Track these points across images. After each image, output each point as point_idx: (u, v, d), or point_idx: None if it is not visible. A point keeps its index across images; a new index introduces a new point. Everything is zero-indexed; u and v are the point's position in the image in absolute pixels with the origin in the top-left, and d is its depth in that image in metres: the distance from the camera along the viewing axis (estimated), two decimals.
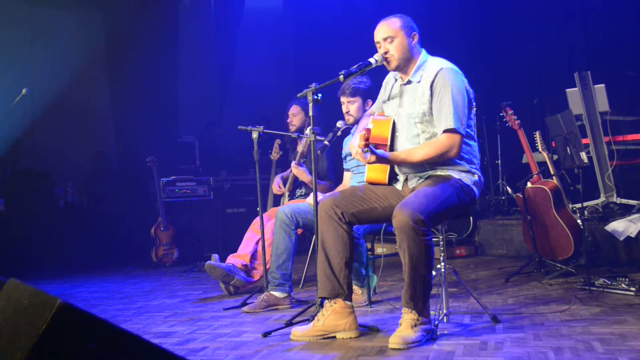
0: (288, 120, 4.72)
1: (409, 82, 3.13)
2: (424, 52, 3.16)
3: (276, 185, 4.72)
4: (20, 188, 6.49)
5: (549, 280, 4.29)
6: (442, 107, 2.96)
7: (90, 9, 7.82)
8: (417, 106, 3.05)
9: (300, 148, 4.48)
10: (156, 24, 7.66)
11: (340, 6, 7.70)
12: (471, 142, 3.11)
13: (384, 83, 3.34)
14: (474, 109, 3.13)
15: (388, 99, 3.25)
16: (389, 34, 3.06)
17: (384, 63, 3.09)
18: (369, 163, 3.00)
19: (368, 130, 2.88)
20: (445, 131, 2.94)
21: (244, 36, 8.23)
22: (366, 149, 2.85)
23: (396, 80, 3.22)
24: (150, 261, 6.27)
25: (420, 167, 3.07)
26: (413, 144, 3.07)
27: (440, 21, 7.09)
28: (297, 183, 4.78)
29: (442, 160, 3.00)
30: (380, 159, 2.95)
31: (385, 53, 3.07)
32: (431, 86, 3.01)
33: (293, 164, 4.46)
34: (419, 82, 3.07)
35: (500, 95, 6.01)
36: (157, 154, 6.52)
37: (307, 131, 4.39)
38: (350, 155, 4.21)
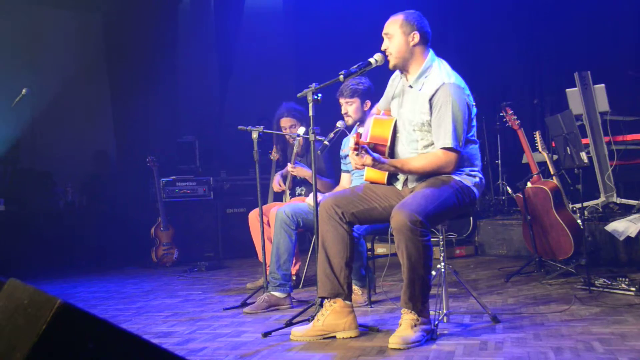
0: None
1: (411, 86, 3.11)
2: (430, 55, 3.10)
3: (276, 183, 4.72)
4: (20, 188, 6.48)
5: (549, 280, 4.29)
6: (441, 123, 2.93)
7: (90, 9, 7.80)
8: (417, 115, 3.03)
9: (295, 149, 4.48)
10: (156, 24, 7.64)
11: (340, 6, 7.70)
12: (472, 145, 3.10)
13: (391, 79, 3.31)
14: (474, 111, 3.10)
15: (393, 97, 3.25)
16: (388, 30, 3.06)
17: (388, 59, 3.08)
18: (365, 165, 2.95)
19: (358, 135, 2.86)
20: (443, 148, 2.94)
21: (244, 36, 8.22)
22: (356, 152, 2.83)
23: (401, 78, 3.20)
24: (150, 261, 6.26)
25: None
26: (412, 149, 3.07)
27: (440, 20, 7.08)
28: (296, 181, 4.78)
29: (437, 174, 2.98)
30: (377, 163, 2.90)
31: (386, 50, 3.07)
32: (430, 100, 2.98)
33: (289, 165, 4.46)
34: (420, 90, 3.05)
35: (500, 95, 6.01)
36: (157, 154, 6.51)
37: (300, 131, 4.39)
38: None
